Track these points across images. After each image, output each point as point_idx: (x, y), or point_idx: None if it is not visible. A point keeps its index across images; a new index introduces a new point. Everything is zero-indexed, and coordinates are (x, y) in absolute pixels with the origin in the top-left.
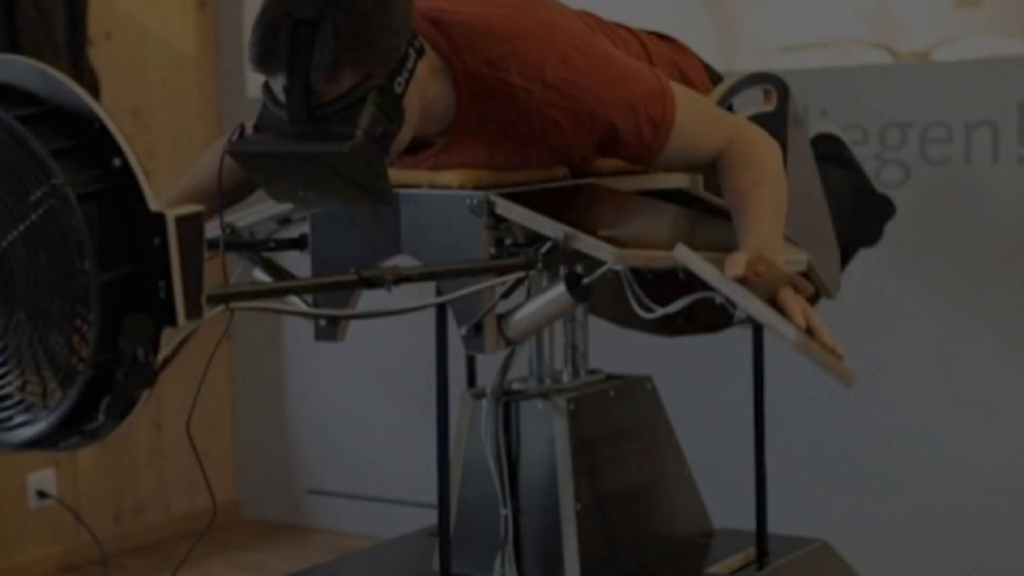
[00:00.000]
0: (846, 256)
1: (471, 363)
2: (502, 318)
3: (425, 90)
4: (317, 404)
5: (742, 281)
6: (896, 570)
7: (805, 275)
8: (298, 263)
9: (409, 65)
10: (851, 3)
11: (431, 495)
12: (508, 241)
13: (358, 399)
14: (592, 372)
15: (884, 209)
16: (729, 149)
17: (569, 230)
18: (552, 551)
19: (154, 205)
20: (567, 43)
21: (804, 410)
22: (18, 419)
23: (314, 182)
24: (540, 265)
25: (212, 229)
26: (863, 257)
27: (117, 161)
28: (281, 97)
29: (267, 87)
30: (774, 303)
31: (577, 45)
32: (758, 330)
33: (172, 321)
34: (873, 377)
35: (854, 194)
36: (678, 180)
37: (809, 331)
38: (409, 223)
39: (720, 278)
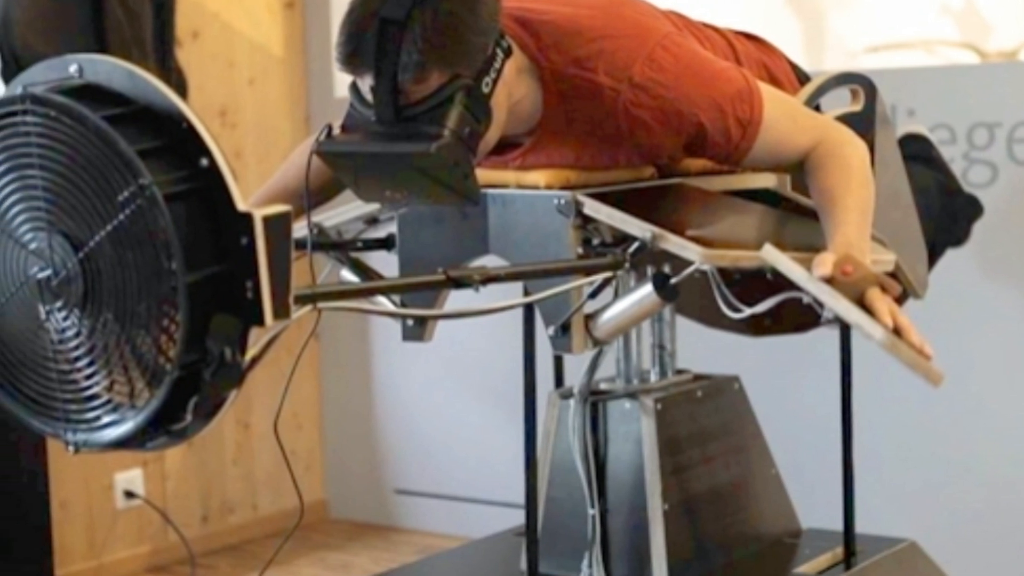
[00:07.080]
0: (933, 256)
1: (558, 363)
2: (589, 318)
3: (512, 90)
4: (404, 404)
5: (829, 281)
6: (985, 570)
7: (893, 275)
8: (385, 263)
9: (496, 65)
10: (938, 3)
11: (518, 495)
12: (595, 241)
13: (445, 399)
14: (680, 372)
15: (971, 209)
16: (816, 149)
17: (656, 230)
18: (639, 551)
19: (241, 205)
20: (654, 43)
21: (891, 410)
22: (106, 419)
23: (401, 182)
24: (627, 265)
25: (299, 229)
26: (950, 257)
27: (204, 161)
28: (368, 97)
29: (354, 87)
30: (861, 303)
31: (664, 45)
32: (845, 330)
33: (260, 321)
34: (960, 377)
35: (941, 194)
36: (765, 180)
37: (896, 331)
38: (496, 223)
39: (808, 278)
